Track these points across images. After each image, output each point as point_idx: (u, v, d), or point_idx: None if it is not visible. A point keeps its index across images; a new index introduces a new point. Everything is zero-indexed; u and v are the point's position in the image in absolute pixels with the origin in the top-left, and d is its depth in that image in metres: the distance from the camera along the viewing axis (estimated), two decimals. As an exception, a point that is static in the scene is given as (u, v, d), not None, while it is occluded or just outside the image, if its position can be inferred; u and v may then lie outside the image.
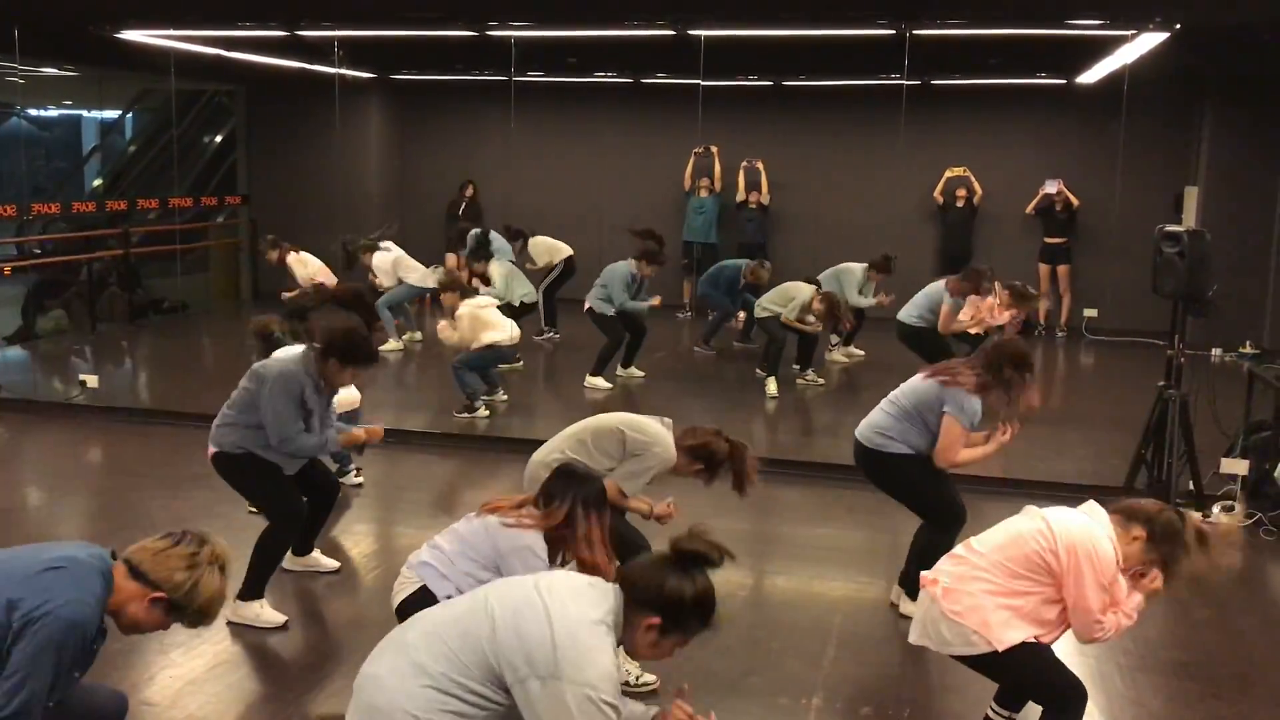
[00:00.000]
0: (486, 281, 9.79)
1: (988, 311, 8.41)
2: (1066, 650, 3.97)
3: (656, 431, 4.35)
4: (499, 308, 8.72)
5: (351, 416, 6.04)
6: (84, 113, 18.94)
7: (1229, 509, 6.31)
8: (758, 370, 9.59)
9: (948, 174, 12.77)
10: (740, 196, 13.16)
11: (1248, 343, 11.07)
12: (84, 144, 19.01)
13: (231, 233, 14.78)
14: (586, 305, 9.37)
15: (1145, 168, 11.69)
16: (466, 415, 8.19)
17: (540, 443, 4.59)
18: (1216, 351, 10.64)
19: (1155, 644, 4.73)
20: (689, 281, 13.25)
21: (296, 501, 4.86)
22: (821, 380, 9.70)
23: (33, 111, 18.03)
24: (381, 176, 14.32)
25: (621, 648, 2.72)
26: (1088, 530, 3.27)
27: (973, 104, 12.73)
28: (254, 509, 5.37)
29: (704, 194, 13.08)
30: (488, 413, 8.29)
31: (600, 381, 9.16)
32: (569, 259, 11.20)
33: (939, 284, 8.71)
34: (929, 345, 8.38)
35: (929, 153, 12.53)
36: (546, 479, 3.65)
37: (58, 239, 13.42)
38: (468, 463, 7.48)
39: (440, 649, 2.58)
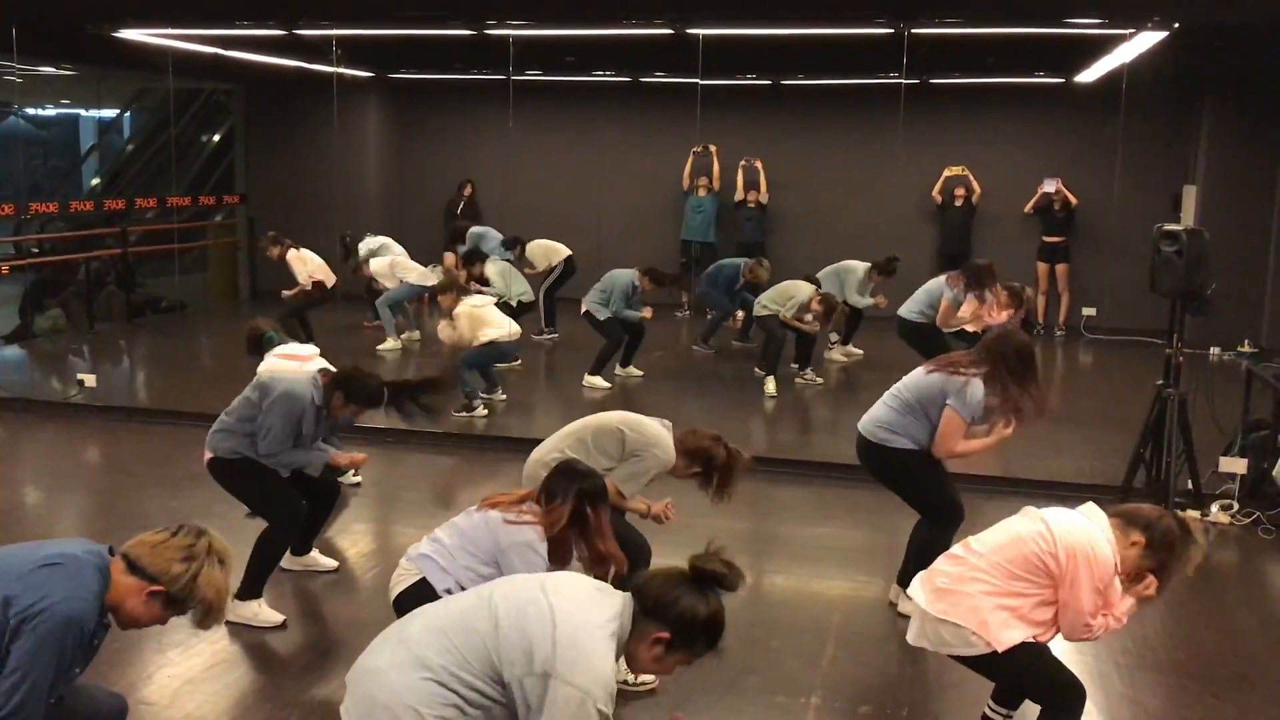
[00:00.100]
0: (484, 283, 9.79)
1: (986, 310, 8.41)
2: (1065, 649, 3.97)
3: (656, 432, 4.35)
4: (497, 306, 8.72)
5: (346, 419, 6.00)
6: (82, 112, 18.95)
7: (1227, 508, 6.31)
8: (756, 369, 9.58)
9: (946, 173, 12.77)
10: (739, 195, 13.15)
11: (1246, 341, 11.08)
12: (82, 143, 19.03)
13: (229, 232, 14.77)
14: (583, 308, 9.37)
15: (1144, 167, 11.70)
16: (465, 414, 8.19)
17: (538, 442, 4.60)
18: (1215, 350, 10.64)
19: (1154, 643, 4.73)
20: (687, 280, 13.26)
21: (295, 503, 4.87)
22: (820, 379, 9.70)
23: (30, 110, 18.04)
24: (380, 176, 14.32)
25: (621, 657, 2.71)
26: (1087, 533, 3.27)
27: (971, 103, 12.73)
28: (251, 514, 5.36)
29: (702, 193, 13.08)
30: (486, 412, 8.29)
31: (599, 381, 9.15)
32: (568, 259, 11.19)
33: (939, 279, 8.73)
34: (929, 341, 8.38)
35: (927, 152, 12.54)
36: (547, 476, 3.65)
37: (55, 238, 13.41)
38: (466, 462, 7.47)
39: (443, 643, 2.57)
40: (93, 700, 3.06)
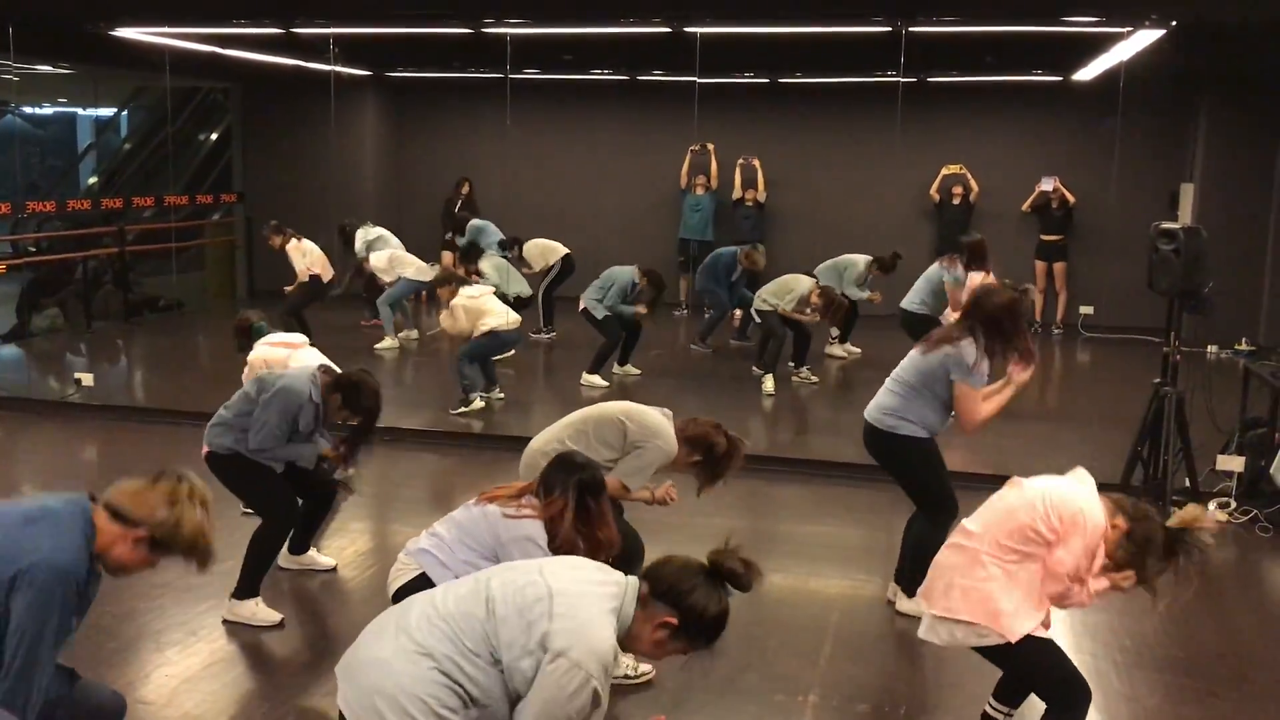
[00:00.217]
0: (482, 277, 9.80)
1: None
2: (1064, 647, 3.97)
3: (658, 423, 4.33)
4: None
5: None
6: (79, 110, 18.92)
7: (1225, 506, 6.31)
8: (754, 368, 9.59)
9: (944, 171, 12.77)
10: (736, 194, 13.15)
11: (1243, 340, 11.06)
12: (79, 142, 19.00)
13: (227, 231, 14.76)
14: (581, 305, 9.37)
15: (1141, 165, 11.70)
16: (464, 409, 8.22)
17: (537, 437, 4.58)
18: (1212, 348, 10.63)
19: (1152, 641, 4.73)
20: (685, 279, 13.26)
21: (289, 501, 4.87)
22: (815, 378, 9.69)
23: (27, 109, 18.01)
24: (377, 174, 14.31)
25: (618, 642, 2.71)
26: (1079, 496, 3.31)
27: (969, 101, 12.74)
28: (247, 510, 5.36)
29: (700, 191, 13.08)
30: (482, 404, 8.31)
31: (597, 379, 9.15)
32: (566, 257, 11.19)
33: (934, 266, 8.70)
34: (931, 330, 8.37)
35: (925, 150, 12.54)
36: (545, 469, 3.64)
37: (53, 237, 13.40)
38: (464, 461, 7.47)
39: (443, 629, 2.55)
40: (94, 696, 3.05)
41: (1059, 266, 12.46)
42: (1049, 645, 3.36)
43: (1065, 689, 3.34)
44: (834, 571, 5.57)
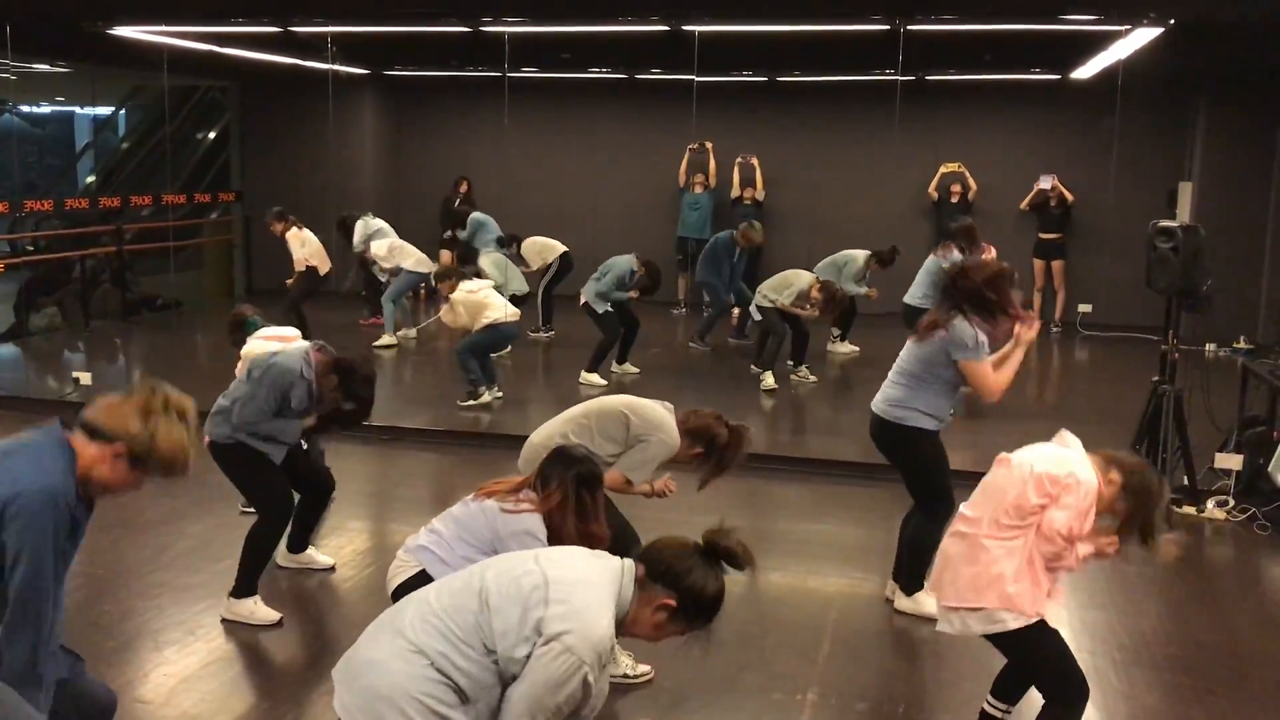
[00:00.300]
0: (481, 275, 9.82)
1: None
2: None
3: (660, 417, 4.32)
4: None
5: None
6: (77, 109, 18.90)
7: (1223, 504, 6.31)
8: (753, 366, 9.59)
9: (942, 170, 12.77)
10: (735, 192, 13.15)
11: (1242, 338, 11.07)
12: (77, 140, 18.98)
13: (225, 229, 14.75)
14: (582, 300, 9.37)
15: (1139, 163, 11.70)
16: (472, 402, 8.27)
17: (535, 439, 4.57)
18: (1211, 346, 10.65)
19: (1150, 639, 4.73)
20: (683, 277, 13.26)
21: (286, 497, 4.85)
22: (814, 377, 9.69)
23: (25, 108, 17.99)
24: (375, 173, 14.30)
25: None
26: (1067, 458, 3.33)
27: (967, 99, 12.73)
28: (246, 509, 5.36)
29: (698, 189, 13.08)
30: (489, 398, 8.36)
31: (595, 378, 9.15)
32: (564, 255, 11.19)
33: (930, 258, 8.70)
34: None
35: (924, 148, 12.54)
36: (542, 462, 3.63)
37: (51, 236, 13.39)
38: (462, 459, 7.47)
39: (437, 626, 2.53)
40: (88, 686, 3.03)
41: (1057, 265, 12.46)
42: (1057, 636, 3.38)
43: (1066, 683, 3.35)
44: (832, 570, 5.57)
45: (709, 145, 13.07)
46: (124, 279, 12.78)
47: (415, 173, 14.42)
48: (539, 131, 13.48)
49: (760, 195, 13.08)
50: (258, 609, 4.70)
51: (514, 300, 9.73)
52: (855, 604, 5.09)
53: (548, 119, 13.60)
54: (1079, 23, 8.34)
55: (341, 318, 11.59)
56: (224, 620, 4.68)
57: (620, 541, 4.17)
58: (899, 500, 5.29)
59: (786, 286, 9.38)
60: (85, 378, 8.83)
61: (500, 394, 8.67)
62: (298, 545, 5.31)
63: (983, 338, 4.54)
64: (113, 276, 12.80)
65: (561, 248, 11.20)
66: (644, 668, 4.22)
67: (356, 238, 11.19)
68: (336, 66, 11.47)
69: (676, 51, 9.96)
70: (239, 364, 5.80)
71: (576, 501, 3.47)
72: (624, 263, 9.34)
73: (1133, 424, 6.64)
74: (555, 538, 3.45)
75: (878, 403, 4.81)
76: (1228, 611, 5.15)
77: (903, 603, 4.93)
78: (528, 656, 2.47)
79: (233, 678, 4.31)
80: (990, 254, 8.54)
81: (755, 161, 13.12)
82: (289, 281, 10.55)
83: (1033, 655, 3.39)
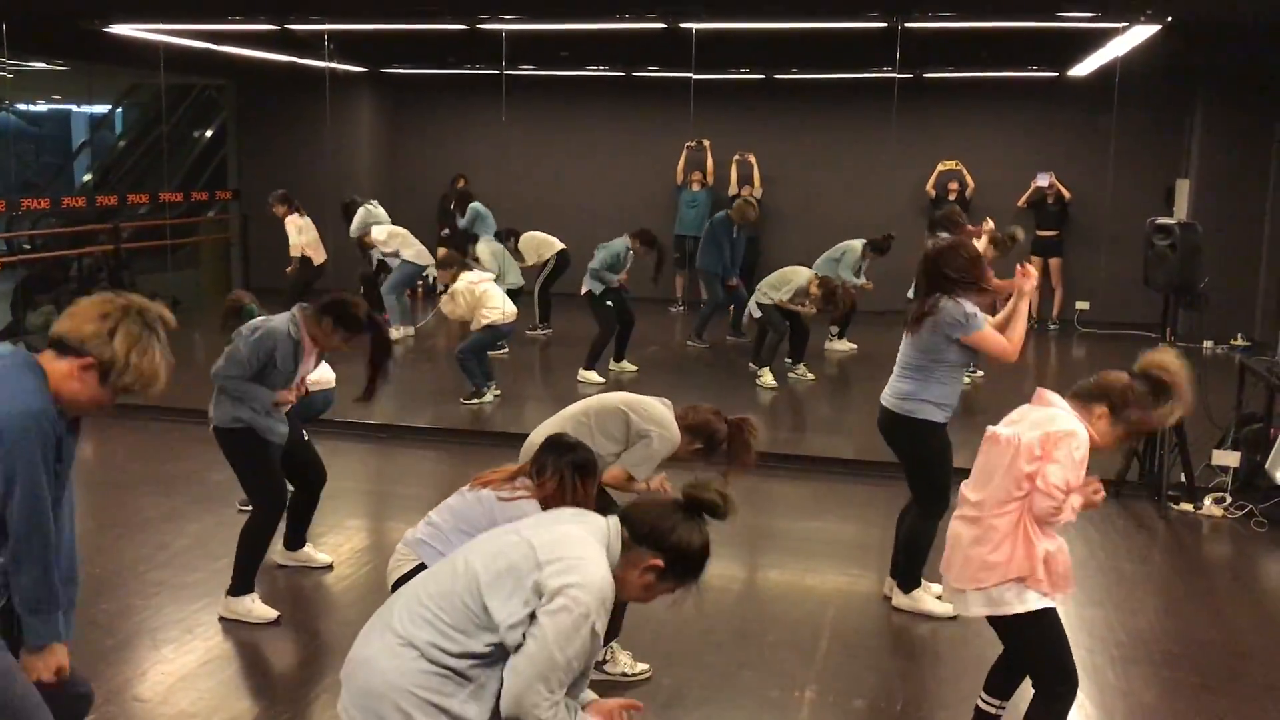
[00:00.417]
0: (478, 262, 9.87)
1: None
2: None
3: (660, 414, 4.31)
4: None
5: (326, 396, 5.96)
6: (73, 107, 18.87)
7: (1220, 501, 6.32)
8: (751, 364, 9.59)
9: (940, 167, 12.77)
10: (732, 190, 13.15)
11: (1239, 335, 11.10)
12: (73, 139, 18.94)
13: (222, 228, 14.73)
14: (584, 289, 9.40)
15: (1137, 161, 11.71)
16: (475, 401, 8.30)
17: (534, 434, 4.57)
18: (1208, 344, 10.66)
19: (1147, 636, 4.74)
20: (681, 275, 13.26)
21: (280, 490, 4.85)
22: (812, 375, 9.70)
23: (21, 106, 17.95)
24: (373, 171, 14.29)
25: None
26: (1050, 415, 3.36)
27: (965, 97, 12.74)
28: (244, 506, 5.35)
29: (696, 187, 13.08)
30: (492, 397, 8.39)
31: (593, 375, 9.16)
32: (562, 253, 11.19)
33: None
34: None
35: (921, 146, 12.54)
36: (537, 451, 3.63)
37: (48, 234, 13.37)
38: (460, 457, 7.46)
39: (424, 616, 2.51)
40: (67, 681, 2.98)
41: (1055, 262, 12.46)
42: (1060, 628, 3.39)
43: (1060, 675, 3.37)
44: (830, 567, 5.57)
45: (706, 143, 13.07)
46: (121, 277, 12.74)
47: (412, 170, 14.40)
48: (536, 129, 13.47)
49: (758, 193, 13.08)
50: (255, 607, 4.70)
51: (509, 294, 9.76)
52: (853, 601, 5.09)
53: (545, 117, 13.59)
54: (1076, 20, 8.35)
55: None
56: (222, 619, 4.68)
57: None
58: (896, 497, 5.30)
59: (785, 283, 9.38)
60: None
61: (499, 392, 8.67)
62: (295, 543, 5.31)
63: (971, 308, 4.55)
64: (110, 275, 12.77)
65: (559, 245, 11.20)
66: (642, 666, 4.22)
67: (355, 224, 11.21)
68: (333, 64, 11.46)
69: (674, 49, 9.96)
70: None
71: (572, 488, 3.47)
72: (618, 243, 9.38)
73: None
74: None
75: (887, 396, 4.82)
76: (1225, 609, 5.16)
77: (900, 600, 4.93)
78: (530, 618, 2.43)
79: (231, 676, 4.31)
80: (987, 225, 8.51)
81: (753, 159, 13.12)
82: (289, 270, 10.62)
83: (1035, 642, 3.39)
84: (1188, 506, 6.32)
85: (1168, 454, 6.36)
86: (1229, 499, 6.32)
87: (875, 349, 10.45)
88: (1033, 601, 3.33)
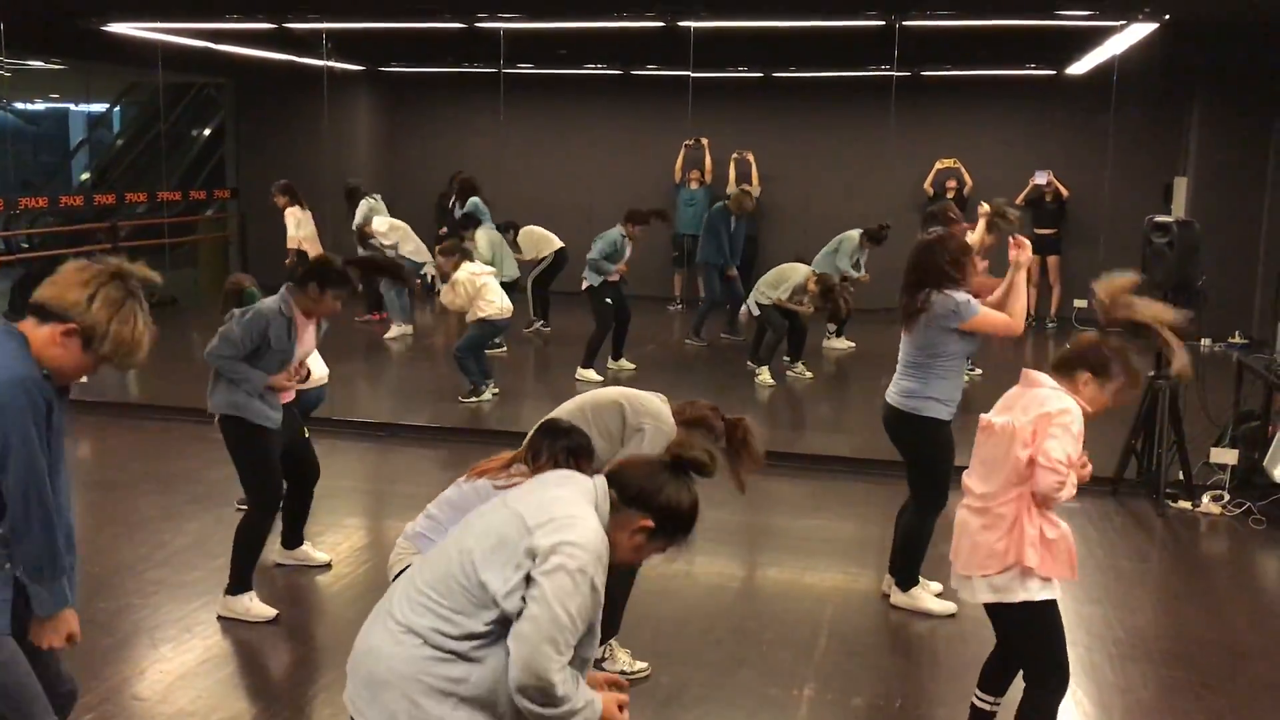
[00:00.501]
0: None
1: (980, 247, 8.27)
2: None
3: (656, 408, 4.30)
4: None
5: (319, 393, 5.96)
6: (71, 106, 18.87)
7: (1218, 498, 6.33)
8: (749, 362, 9.59)
9: (938, 165, 12.77)
10: (731, 188, 13.12)
11: (1237, 333, 11.10)
12: (71, 137, 18.94)
13: (220, 226, 14.72)
14: (584, 284, 9.42)
15: (1134, 159, 11.71)
16: (473, 400, 8.30)
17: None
18: (1206, 342, 10.67)
19: (1145, 633, 4.74)
20: (679, 274, 13.26)
21: (277, 485, 4.85)
22: (809, 373, 9.70)
23: (19, 105, 17.95)
24: (371, 169, 14.27)
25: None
26: (1039, 395, 3.37)
27: (962, 95, 12.74)
28: (242, 505, 5.35)
29: (694, 186, 13.08)
30: (491, 396, 8.38)
31: (591, 374, 9.16)
32: (559, 251, 11.20)
33: None
34: None
35: (919, 144, 12.54)
36: (531, 435, 3.62)
37: (45, 233, 13.36)
38: (458, 456, 7.45)
39: (422, 602, 2.49)
40: (51, 677, 2.94)
41: (1052, 260, 12.47)
42: (1060, 621, 3.39)
43: (1054, 667, 3.38)
44: (829, 565, 5.57)
45: (705, 141, 13.07)
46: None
47: (410, 168, 14.40)
48: (535, 127, 13.46)
49: (756, 191, 13.07)
50: (253, 605, 4.70)
51: (503, 286, 9.78)
52: (851, 599, 5.10)
53: (543, 115, 13.59)
54: (1074, 18, 8.36)
55: (337, 315, 11.57)
56: (220, 617, 4.68)
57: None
58: (895, 495, 5.30)
59: (783, 281, 9.39)
60: (80, 375, 8.81)
61: (497, 390, 8.67)
62: (292, 541, 5.31)
63: (963, 296, 4.57)
64: (107, 274, 12.77)
65: (558, 243, 11.22)
66: (641, 664, 4.23)
67: (359, 214, 11.23)
68: (332, 63, 11.45)
69: (672, 47, 9.96)
70: None
71: (568, 466, 3.45)
72: (612, 232, 9.40)
73: (1128, 419, 6.65)
74: None
75: (891, 394, 4.83)
76: (1223, 606, 5.16)
77: (898, 598, 4.94)
78: (527, 582, 2.40)
79: (229, 674, 4.31)
80: (983, 208, 8.49)
81: (751, 157, 13.11)
82: (287, 262, 10.62)
83: (1034, 631, 3.40)
84: (1186, 504, 6.32)
85: (1166, 452, 6.37)
86: (1227, 497, 6.33)
87: (873, 347, 10.45)
88: (1036, 591, 3.34)
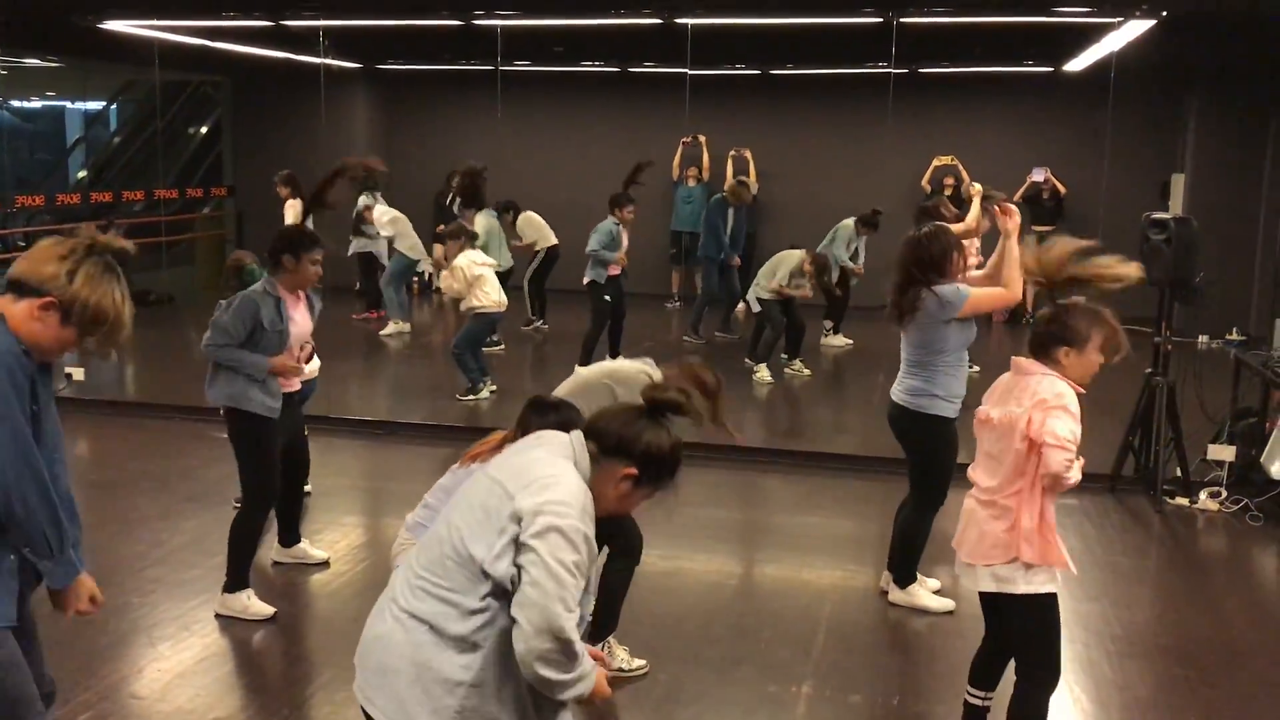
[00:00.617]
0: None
1: (975, 230, 8.24)
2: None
3: (643, 383, 4.30)
4: None
5: (310, 386, 5.93)
6: (68, 104, 18.84)
7: (1216, 495, 6.33)
8: (746, 359, 9.59)
9: (935, 162, 12.77)
10: (729, 184, 13.14)
11: (1234, 329, 11.11)
12: (68, 135, 18.91)
13: (218, 224, 14.71)
14: (586, 279, 9.42)
15: (1132, 155, 11.71)
16: (471, 397, 8.30)
17: (528, 432, 4.57)
18: (1203, 338, 10.68)
19: (1143, 630, 4.75)
20: (677, 271, 13.26)
21: (273, 485, 4.84)
22: (808, 370, 9.70)
23: (16, 103, 17.93)
24: (368, 167, 14.26)
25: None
26: (1030, 383, 3.36)
27: (960, 92, 12.74)
28: (239, 504, 5.34)
29: (692, 183, 13.08)
30: (488, 393, 8.39)
31: (590, 372, 9.16)
32: (552, 248, 11.22)
33: None
34: None
35: (916, 141, 12.54)
36: (521, 413, 3.62)
37: (41, 231, 13.34)
38: (456, 453, 7.40)
39: (423, 588, 2.48)
40: (37, 672, 2.94)
41: (1050, 257, 12.46)
42: (1058, 615, 3.40)
43: (1047, 661, 3.39)
44: (826, 562, 5.58)
45: (702, 139, 13.07)
46: (115, 274, 12.74)
47: (407, 166, 14.35)
48: (532, 125, 13.46)
49: (754, 188, 13.07)
50: (251, 603, 4.69)
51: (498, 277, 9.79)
52: (850, 596, 5.10)
53: (541, 112, 13.58)
54: (1071, 15, 8.36)
55: (335, 314, 11.57)
56: (218, 616, 4.67)
57: (627, 539, 4.17)
58: (893, 492, 5.30)
59: (779, 266, 9.39)
60: (78, 373, 8.82)
61: (494, 388, 8.67)
62: (289, 539, 5.31)
63: (949, 288, 4.56)
64: (105, 272, 12.76)
65: (553, 239, 11.23)
66: (639, 661, 4.23)
67: (361, 200, 11.26)
68: (328, 60, 11.44)
69: (669, 45, 9.96)
70: None
71: None
72: (605, 224, 9.43)
73: (1126, 416, 6.66)
74: None
75: (897, 392, 4.83)
76: (1220, 603, 5.17)
77: (897, 595, 4.94)
78: (515, 544, 2.38)
79: (227, 673, 4.31)
80: (975, 189, 8.49)
81: (748, 154, 13.12)
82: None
83: (1032, 624, 3.40)
84: (1183, 501, 6.33)
85: (1163, 448, 6.37)
86: (1224, 493, 6.33)
87: (870, 344, 10.46)
88: (1038, 584, 3.34)
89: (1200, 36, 9.71)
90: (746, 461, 7.07)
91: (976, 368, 9.12)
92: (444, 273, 8.54)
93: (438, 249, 11.97)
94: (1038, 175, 12.36)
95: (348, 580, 5.21)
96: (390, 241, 11.15)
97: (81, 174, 16.78)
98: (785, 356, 9.70)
